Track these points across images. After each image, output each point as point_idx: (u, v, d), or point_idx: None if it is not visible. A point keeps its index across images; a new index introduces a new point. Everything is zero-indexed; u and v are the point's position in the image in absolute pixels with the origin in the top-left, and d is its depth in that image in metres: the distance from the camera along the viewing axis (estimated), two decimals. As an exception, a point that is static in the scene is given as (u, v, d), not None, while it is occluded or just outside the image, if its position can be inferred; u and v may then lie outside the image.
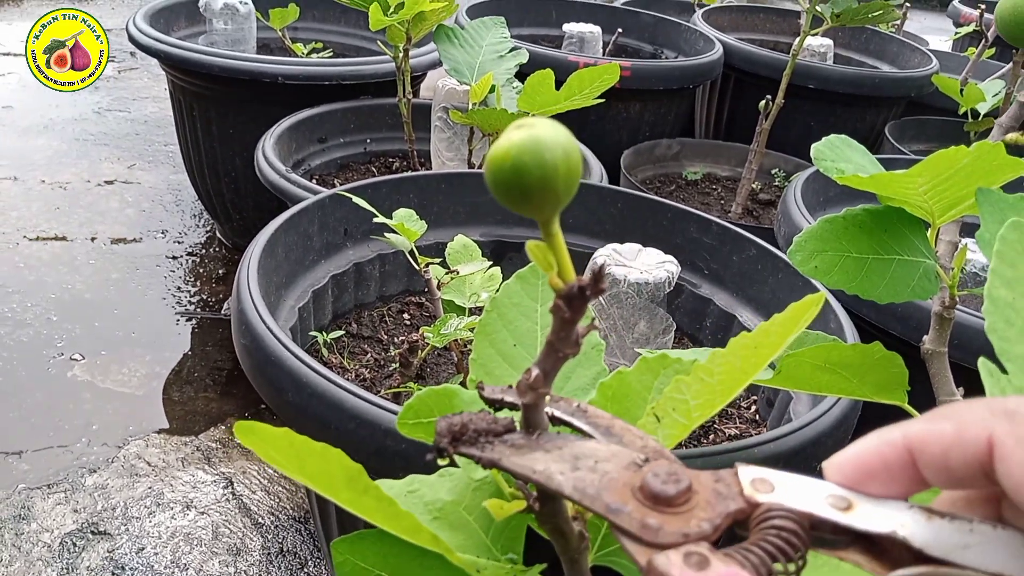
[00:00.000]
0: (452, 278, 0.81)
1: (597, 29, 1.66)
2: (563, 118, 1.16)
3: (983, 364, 0.34)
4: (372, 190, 0.91)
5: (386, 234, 0.78)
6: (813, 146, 0.53)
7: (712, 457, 0.56)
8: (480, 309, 0.84)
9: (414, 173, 0.96)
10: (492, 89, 1.09)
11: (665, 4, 2.42)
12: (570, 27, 1.65)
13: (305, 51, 1.51)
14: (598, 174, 1.19)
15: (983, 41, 1.71)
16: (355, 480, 0.34)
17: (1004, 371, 0.34)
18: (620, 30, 1.81)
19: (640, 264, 0.75)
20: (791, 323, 0.37)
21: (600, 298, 0.76)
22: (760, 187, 1.58)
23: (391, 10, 1.07)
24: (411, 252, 0.78)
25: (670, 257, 0.76)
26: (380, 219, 0.75)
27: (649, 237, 0.99)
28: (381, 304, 0.94)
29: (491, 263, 0.98)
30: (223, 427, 1.15)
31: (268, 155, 1.10)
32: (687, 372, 0.40)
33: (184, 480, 1.05)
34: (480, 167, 1.16)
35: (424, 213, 0.96)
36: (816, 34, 1.80)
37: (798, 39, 1.45)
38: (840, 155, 0.53)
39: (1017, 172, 0.47)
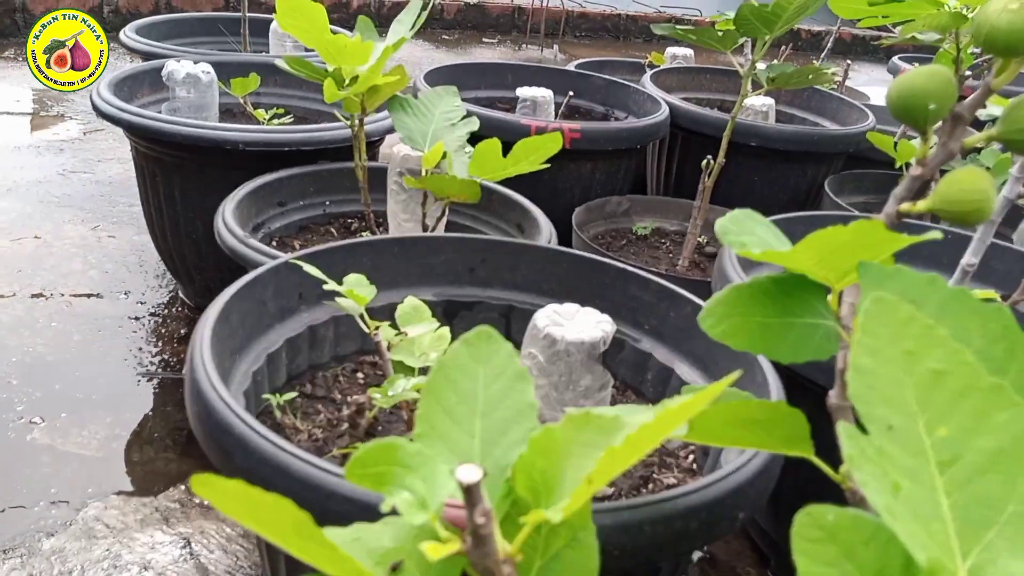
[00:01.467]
0: (401, 340, 0.85)
1: (549, 93, 1.73)
2: (518, 178, 1.22)
3: (843, 428, 0.38)
4: (327, 256, 0.95)
5: (337, 299, 0.82)
6: (717, 222, 0.58)
7: (636, 509, 0.60)
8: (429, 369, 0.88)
9: (368, 238, 1.00)
10: (444, 155, 1.14)
11: (618, 65, 2.51)
12: (523, 91, 1.72)
13: (267, 117, 1.56)
14: (547, 234, 1.24)
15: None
16: (302, 527, 0.38)
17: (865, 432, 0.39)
18: (571, 93, 1.88)
19: (577, 324, 0.79)
20: (708, 396, 0.42)
21: (541, 357, 0.80)
22: (706, 241, 1.65)
23: (346, 83, 1.12)
24: (361, 316, 0.82)
25: (606, 317, 0.81)
26: (329, 286, 0.79)
27: (593, 295, 1.04)
28: (336, 364, 0.97)
29: (442, 323, 1.02)
30: (182, 487, 1.16)
31: (228, 221, 1.13)
32: (607, 426, 0.44)
33: (142, 541, 1.06)
34: (434, 230, 1.20)
35: (378, 275, 1.01)
36: (758, 94, 1.89)
37: (737, 102, 1.53)
38: (744, 229, 0.58)
39: (898, 245, 0.52)
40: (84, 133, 2.48)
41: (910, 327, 0.40)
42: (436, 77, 1.82)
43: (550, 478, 0.41)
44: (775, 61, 2.32)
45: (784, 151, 1.77)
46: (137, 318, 1.56)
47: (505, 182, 1.33)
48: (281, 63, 1.14)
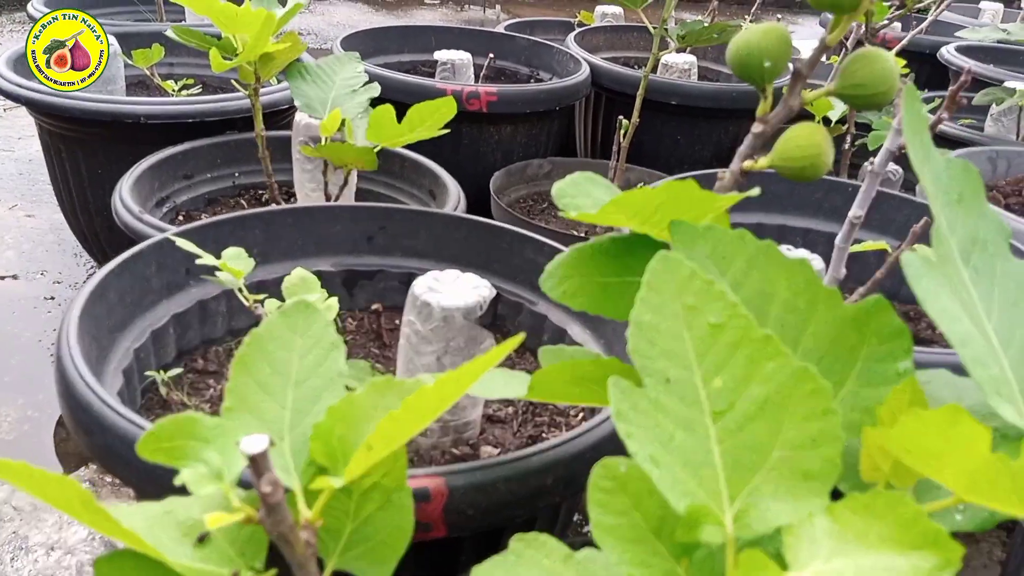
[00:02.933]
0: (285, 312, 0.85)
1: (467, 56, 1.71)
2: (436, 142, 1.21)
3: (613, 382, 0.39)
4: (214, 229, 0.95)
5: (216, 274, 0.82)
6: (555, 185, 0.58)
7: (489, 469, 0.61)
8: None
9: (258, 210, 0.99)
10: (343, 122, 1.13)
11: (550, 25, 2.50)
12: (441, 55, 1.70)
13: (176, 88, 1.53)
14: (455, 198, 1.24)
15: (843, 50, 1.82)
16: (88, 503, 0.39)
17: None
18: (491, 55, 1.87)
19: (455, 289, 0.80)
20: (485, 364, 0.43)
21: (418, 324, 0.80)
22: (627, 201, 1.66)
23: (239, 51, 1.10)
24: (240, 290, 0.81)
25: (485, 282, 0.81)
26: (203, 260, 0.79)
27: (491, 259, 1.04)
28: (231, 338, 0.97)
29: (337, 293, 1.02)
30: (93, 466, 1.16)
31: (124, 197, 1.12)
32: (408, 391, 0.45)
33: (51, 522, 1.06)
34: (338, 199, 1.20)
35: (271, 248, 1.01)
36: (683, 51, 1.89)
37: (650, 60, 1.53)
38: (581, 191, 0.58)
39: (716, 203, 0.54)
40: (4, 110, 2.41)
41: (692, 283, 0.42)
42: (354, 43, 1.80)
43: (348, 445, 0.42)
44: (700, 17, 2.32)
45: (705, 108, 1.78)
46: (53, 298, 1.53)
47: (425, 148, 1.33)
48: (170, 32, 1.12)
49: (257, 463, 0.38)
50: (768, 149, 0.65)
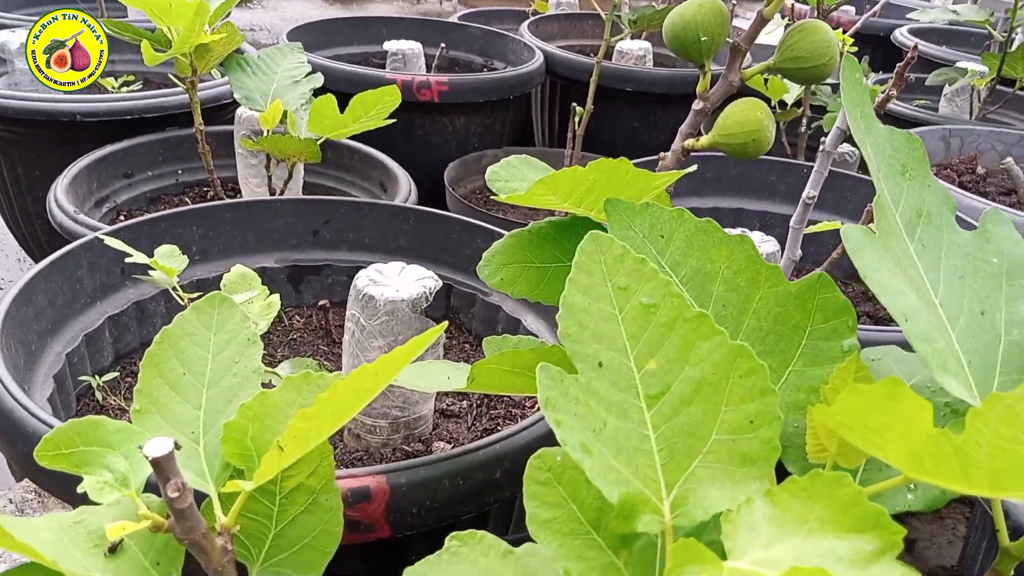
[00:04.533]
0: (224, 310, 0.81)
1: (418, 46, 1.68)
2: (387, 134, 1.18)
3: (542, 369, 0.37)
4: (148, 227, 0.91)
5: (150, 272, 0.79)
6: (489, 168, 0.56)
7: (433, 465, 0.59)
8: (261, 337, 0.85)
9: (194, 206, 0.96)
10: (285, 114, 1.10)
11: (505, 14, 2.47)
12: (390, 45, 1.67)
13: (116, 84, 1.48)
14: (406, 190, 1.22)
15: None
16: None
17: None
18: (443, 45, 1.84)
19: (400, 282, 0.77)
20: (405, 356, 0.40)
21: (362, 318, 0.78)
22: (584, 189, 1.64)
23: (174, 44, 1.06)
24: (174, 288, 0.78)
25: (430, 273, 0.79)
26: (133, 259, 0.75)
27: (441, 250, 1.02)
28: (172, 340, 0.94)
29: (277, 289, 0.99)
30: (36, 478, 1.12)
31: (59, 198, 1.08)
32: (326, 387, 0.43)
33: None
34: (282, 193, 1.17)
35: (210, 245, 0.97)
36: (638, 37, 1.88)
37: (602, 47, 1.51)
38: (516, 175, 0.56)
39: (653, 183, 0.52)
40: (-57, 113, 2.33)
41: (623, 262, 0.40)
42: (302, 35, 1.75)
43: (263, 445, 0.39)
44: (654, 2, 2.31)
45: (660, 94, 1.77)
46: (-7, 305, 1.48)
47: (376, 140, 1.29)
48: (104, 26, 1.08)
49: (161, 467, 0.35)
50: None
